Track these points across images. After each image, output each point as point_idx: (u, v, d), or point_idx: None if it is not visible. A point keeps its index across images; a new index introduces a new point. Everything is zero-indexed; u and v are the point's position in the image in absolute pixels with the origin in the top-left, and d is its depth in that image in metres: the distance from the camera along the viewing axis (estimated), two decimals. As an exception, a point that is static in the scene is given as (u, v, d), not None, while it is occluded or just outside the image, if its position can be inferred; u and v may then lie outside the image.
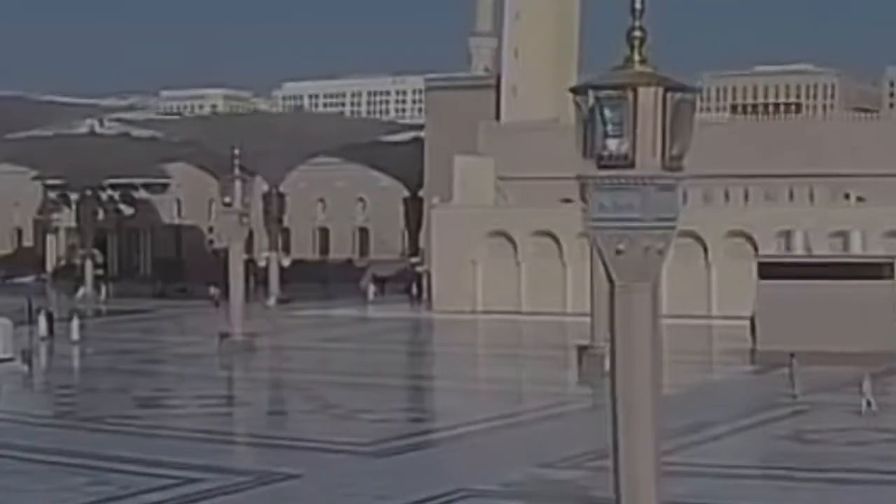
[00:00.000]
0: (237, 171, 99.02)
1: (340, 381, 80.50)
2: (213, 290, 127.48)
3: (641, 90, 26.95)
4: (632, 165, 27.21)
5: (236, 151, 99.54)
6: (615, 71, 27.91)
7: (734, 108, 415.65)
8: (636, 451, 28.59)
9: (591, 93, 27.56)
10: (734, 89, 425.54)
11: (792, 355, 71.60)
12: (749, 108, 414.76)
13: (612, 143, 27.33)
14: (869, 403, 62.43)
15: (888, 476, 48.64)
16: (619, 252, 27.70)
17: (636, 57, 27.75)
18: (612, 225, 27.67)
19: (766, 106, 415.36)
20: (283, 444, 57.85)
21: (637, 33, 28.00)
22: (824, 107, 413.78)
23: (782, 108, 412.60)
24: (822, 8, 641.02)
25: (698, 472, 48.81)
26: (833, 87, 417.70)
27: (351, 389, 76.64)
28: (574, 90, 28.22)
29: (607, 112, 27.35)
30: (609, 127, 27.37)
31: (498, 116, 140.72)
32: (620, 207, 27.52)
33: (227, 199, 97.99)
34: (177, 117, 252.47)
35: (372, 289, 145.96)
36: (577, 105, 28.02)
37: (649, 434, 28.52)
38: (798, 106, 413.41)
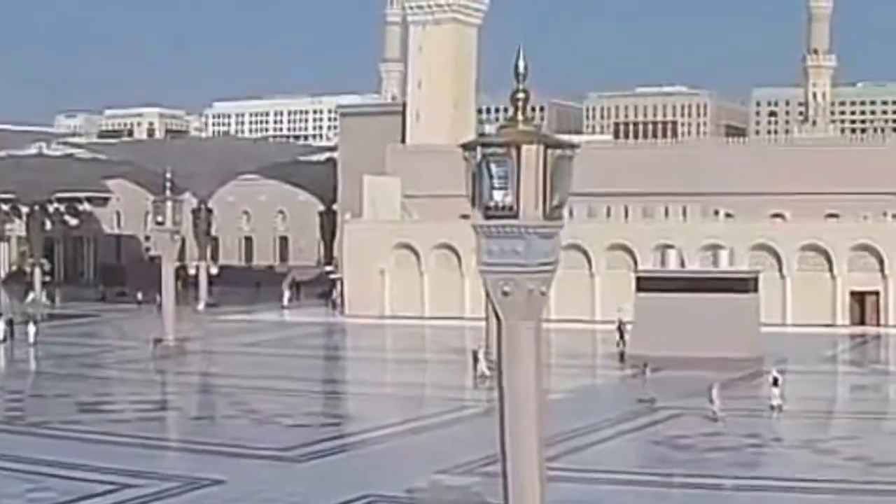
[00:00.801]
0: (168, 193, 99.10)
1: (261, 386, 79.09)
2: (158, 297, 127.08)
3: (524, 147, 27.25)
4: (516, 216, 27.49)
5: (168, 175, 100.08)
6: (501, 129, 28.42)
7: (617, 125, 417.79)
8: (523, 470, 28.99)
9: (479, 150, 27.86)
10: (618, 108, 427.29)
11: (645, 364, 72.79)
12: (631, 126, 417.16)
13: (498, 195, 27.60)
14: (714, 413, 61.95)
15: (754, 482, 48.41)
16: (505, 294, 27.97)
17: (520, 116, 28.04)
18: (499, 269, 27.91)
19: (645, 124, 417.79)
20: (210, 449, 56.81)
21: (520, 95, 28.36)
22: (698, 124, 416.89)
23: (660, 126, 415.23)
24: (697, 34, 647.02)
25: (581, 477, 48.11)
26: (706, 106, 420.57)
27: (270, 394, 75.45)
28: (464, 146, 28.50)
29: (494, 167, 27.62)
30: (495, 181, 27.61)
31: (404, 140, 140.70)
32: (506, 253, 27.79)
33: (159, 219, 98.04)
34: (116, 141, 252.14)
35: (287, 294, 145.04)
36: (467, 160, 28.16)
37: (534, 454, 29.00)
38: (674, 124, 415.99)
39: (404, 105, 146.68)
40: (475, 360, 78.08)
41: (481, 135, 28.85)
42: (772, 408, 65.01)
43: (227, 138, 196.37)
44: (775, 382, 66.42)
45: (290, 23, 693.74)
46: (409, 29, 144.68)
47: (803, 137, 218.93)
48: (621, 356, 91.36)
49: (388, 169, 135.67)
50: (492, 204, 27.75)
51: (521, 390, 28.61)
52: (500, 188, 27.61)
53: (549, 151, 27.66)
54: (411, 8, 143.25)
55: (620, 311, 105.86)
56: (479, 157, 27.88)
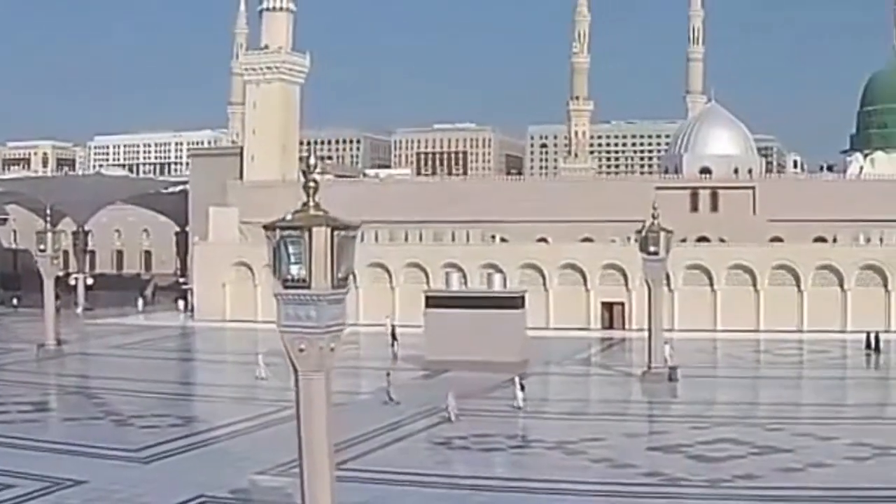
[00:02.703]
0: (48, 226, 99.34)
1: (122, 388, 76.02)
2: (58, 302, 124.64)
3: (314, 230, 27.42)
4: (308, 286, 27.52)
5: (48, 210, 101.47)
6: (295, 214, 28.03)
7: (419, 155, 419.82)
8: (317, 491, 29.04)
9: (277, 231, 27.80)
10: (419, 142, 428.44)
11: (388, 373, 70.92)
12: (430, 156, 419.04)
13: (294, 269, 27.66)
14: (449, 416, 60.94)
15: (519, 483, 47.23)
16: (301, 350, 28.01)
17: (311, 203, 28.20)
18: (296, 330, 27.86)
19: (442, 154, 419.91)
20: (76, 450, 53.81)
21: (311, 184, 28.56)
22: (484, 155, 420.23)
23: (454, 156, 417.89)
24: (483, 78, 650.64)
25: (370, 478, 46.68)
26: (490, 140, 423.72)
27: (129, 396, 72.56)
28: (266, 227, 28.23)
29: (290, 246, 27.72)
30: (291, 257, 27.67)
31: (241, 176, 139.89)
32: (301, 317, 27.80)
33: (41, 247, 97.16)
34: (12, 176, 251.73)
35: (141, 301, 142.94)
36: (269, 238, 27.96)
37: (327, 476, 29.15)
38: (465, 154, 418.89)
39: (242, 148, 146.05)
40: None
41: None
42: (517, 408, 64.62)
43: (98, 175, 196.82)
44: (521, 387, 66.46)
45: (158, 67, 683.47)
46: (245, 86, 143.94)
47: (567, 172, 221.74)
48: (394, 356, 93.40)
49: (229, 200, 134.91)
50: (289, 276, 27.72)
51: (315, 425, 28.91)
52: (296, 263, 27.65)
53: (336, 232, 27.80)
54: (246, 70, 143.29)
55: (388, 317, 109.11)
56: (277, 237, 27.81)
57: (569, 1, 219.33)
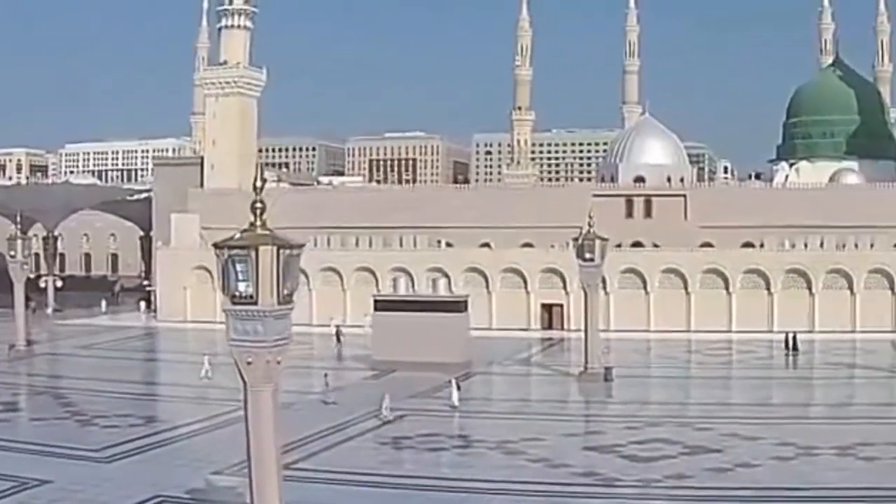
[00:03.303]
0: (19, 233, 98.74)
1: (88, 388, 75.08)
2: (32, 304, 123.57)
3: (261, 249, 27.37)
4: (255, 303, 27.56)
5: (18, 218, 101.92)
6: (243, 233, 27.93)
7: (371, 162, 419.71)
8: (265, 497, 29.20)
9: (225, 250, 27.76)
10: (372, 149, 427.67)
11: (326, 375, 70.66)
12: (382, 163, 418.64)
13: (242, 286, 27.68)
14: (384, 416, 60.72)
15: (462, 483, 46.63)
16: (248, 363, 28.10)
17: (258, 223, 28.03)
18: (244, 344, 27.93)
19: (392, 161, 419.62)
20: (43, 450, 53.07)
21: (258, 205, 28.35)
22: (433, 162, 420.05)
23: (404, 163, 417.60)
24: (432, 89, 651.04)
25: (319, 478, 46.51)
26: (438, 148, 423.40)
27: (94, 395, 71.66)
28: (215, 245, 28.24)
29: (237, 265, 27.70)
30: (239, 275, 27.68)
31: (202, 184, 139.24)
32: (248, 332, 27.86)
33: (12, 253, 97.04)
34: None
35: (104, 303, 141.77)
36: (217, 256, 28.00)
37: (274, 481, 29.28)
38: (414, 161, 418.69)
39: (202, 158, 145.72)
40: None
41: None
42: (453, 407, 64.49)
43: (67, 184, 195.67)
44: (458, 387, 66.64)
45: (127, 77, 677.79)
46: (206, 99, 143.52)
47: (510, 178, 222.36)
48: (339, 355, 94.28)
49: (190, 207, 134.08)
50: (237, 293, 27.73)
51: (263, 434, 28.89)
52: (243, 280, 27.63)
53: (281, 251, 27.73)
54: (206, 84, 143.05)
55: (332, 318, 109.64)
56: (226, 255, 27.77)
57: (512, 16, 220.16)
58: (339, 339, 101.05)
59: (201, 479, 46.33)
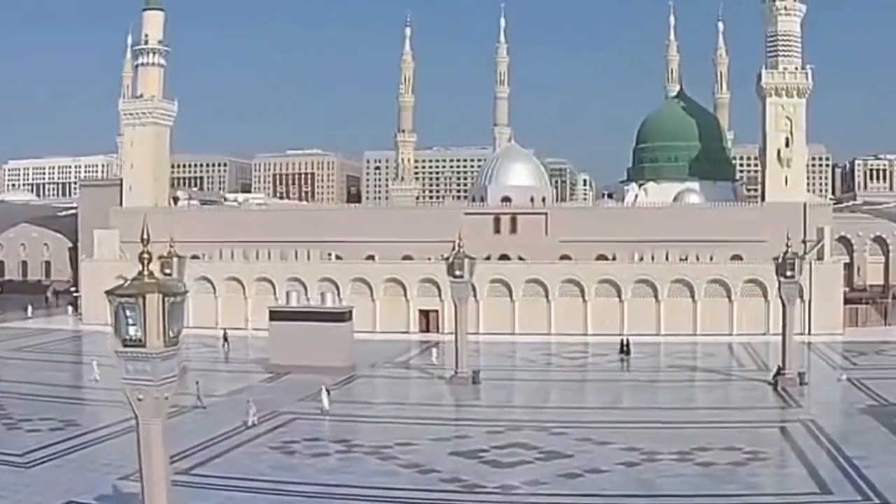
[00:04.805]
0: None
1: (15, 391, 72.34)
2: None
3: (148, 296, 27.26)
4: (144, 345, 27.38)
5: None
6: (132, 282, 27.82)
7: (275, 177, 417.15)
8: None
9: (116, 298, 27.62)
10: (275, 165, 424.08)
11: (197, 382, 69.32)
12: (284, 177, 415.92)
13: (132, 330, 27.47)
14: (249, 421, 59.54)
15: (341, 489, 45.18)
16: (139, 399, 27.99)
17: (145, 271, 28.06)
18: (134, 383, 27.82)
19: (294, 176, 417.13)
20: None
21: (145, 256, 28.77)
22: (329, 176, 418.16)
23: (303, 177, 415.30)
24: (328, 109, 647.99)
25: (216, 485, 45.58)
26: (334, 163, 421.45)
27: (21, 399, 69.10)
28: (108, 293, 28.13)
29: (127, 311, 27.53)
30: (129, 320, 27.50)
31: (122, 203, 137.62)
32: (139, 372, 27.69)
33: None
34: None
35: (30, 307, 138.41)
36: (110, 302, 27.76)
37: (164, 500, 29.33)
38: (313, 176, 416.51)
39: (122, 179, 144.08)
40: None
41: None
42: (325, 412, 63.76)
43: (3, 203, 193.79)
44: (328, 392, 65.98)
45: (61, 97, 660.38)
46: (124, 127, 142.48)
47: (395, 192, 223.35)
48: (226, 357, 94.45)
49: (111, 223, 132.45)
50: (127, 336, 27.49)
51: (154, 461, 28.92)
52: (133, 325, 27.41)
53: (167, 298, 27.53)
54: (125, 114, 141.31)
55: (219, 323, 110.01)
56: (116, 302, 27.55)
57: (397, 50, 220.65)
58: (226, 341, 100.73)
59: (110, 484, 44.94)
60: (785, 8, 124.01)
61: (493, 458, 51.13)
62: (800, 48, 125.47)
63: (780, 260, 76.68)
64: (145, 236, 29.95)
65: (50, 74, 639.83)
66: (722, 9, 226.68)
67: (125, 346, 27.50)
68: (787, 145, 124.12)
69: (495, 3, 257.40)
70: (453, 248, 78.75)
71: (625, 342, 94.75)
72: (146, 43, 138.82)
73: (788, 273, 76.17)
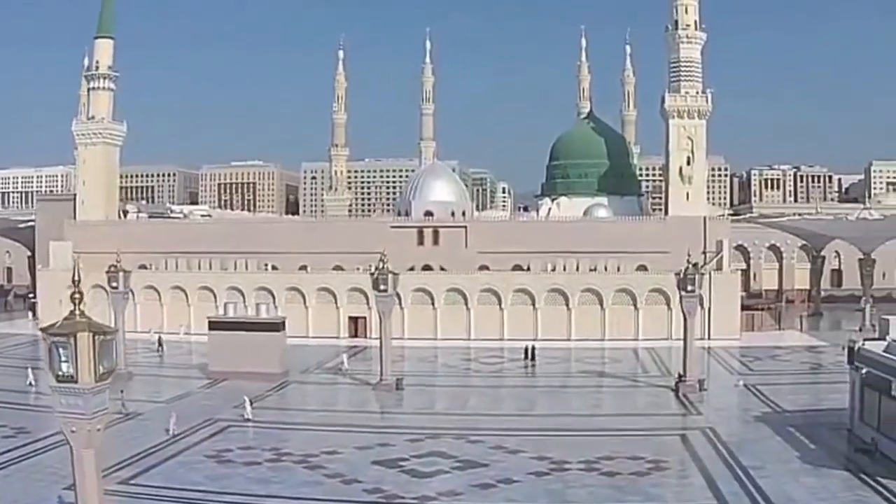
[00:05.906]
0: None
1: None
2: None
3: (79, 335, 26.84)
4: (76, 381, 26.97)
5: None
6: (64, 321, 27.30)
7: (220, 186, 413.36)
8: None
9: (49, 337, 27.06)
10: (221, 175, 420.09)
11: (122, 391, 68.66)
12: (229, 187, 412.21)
13: (65, 367, 26.99)
14: (170, 431, 58.24)
15: (271, 500, 44.32)
16: (73, 431, 27.59)
17: (77, 311, 27.67)
18: (68, 416, 27.45)
19: (235, 185, 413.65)
20: None
21: (77, 295, 28.42)
22: (269, 186, 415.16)
23: (246, 187, 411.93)
24: (268, 121, 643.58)
25: (153, 494, 44.41)
26: (274, 174, 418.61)
27: None
28: (41, 330, 28.14)
29: (60, 349, 27.00)
30: (62, 357, 26.98)
31: (75, 217, 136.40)
32: (71, 406, 27.32)
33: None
34: None
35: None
36: (44, 340, 27.30)
37: None
38: (255, 185, 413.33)
39: (75, 194, 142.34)
40: None
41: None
42: (247, 419, 62.99)
43: None
44: (251, 402, 65.42)
45: (23, 109, 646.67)
46: (77, 147, 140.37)
47: (329, 202, 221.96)
48: (161, 360, 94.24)
49: (65, 235, 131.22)
50: (60, 373, 27.00)
51: (87, 487, 28.51)
52: (65, 362, 26.92)
53: (97, 337, 27.12)
54: (77, 135, 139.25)
55: (153, 329, 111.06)
56: (49, 341, 27.03)
57: (331, 70, 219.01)
58: (160, 346, 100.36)
59: (55, 494, 43.47)
60: (686, 37, 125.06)
61: (413, 467, 50.17)
62: (700, 73, 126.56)
63: (681, 275, 76.94)
64: (77, 272, 29.30)
65: (11, 88, 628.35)
66: (629, 33, 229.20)
67: (59, 381, 27.00)
68: (688, 163, 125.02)
69: (422, 25, 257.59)
70: (378, 264, 77.92)
71: (529, 348, 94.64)
72: (97, 69, 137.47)
73: (689, 288, 76.47)
